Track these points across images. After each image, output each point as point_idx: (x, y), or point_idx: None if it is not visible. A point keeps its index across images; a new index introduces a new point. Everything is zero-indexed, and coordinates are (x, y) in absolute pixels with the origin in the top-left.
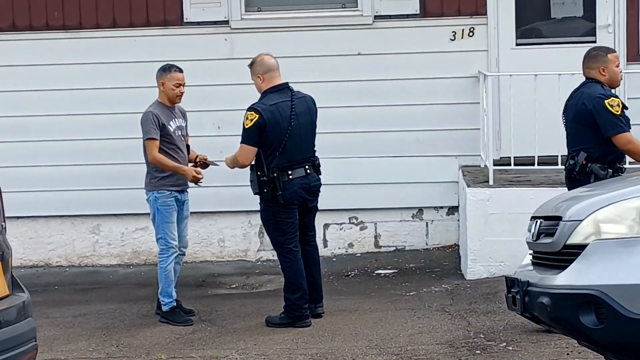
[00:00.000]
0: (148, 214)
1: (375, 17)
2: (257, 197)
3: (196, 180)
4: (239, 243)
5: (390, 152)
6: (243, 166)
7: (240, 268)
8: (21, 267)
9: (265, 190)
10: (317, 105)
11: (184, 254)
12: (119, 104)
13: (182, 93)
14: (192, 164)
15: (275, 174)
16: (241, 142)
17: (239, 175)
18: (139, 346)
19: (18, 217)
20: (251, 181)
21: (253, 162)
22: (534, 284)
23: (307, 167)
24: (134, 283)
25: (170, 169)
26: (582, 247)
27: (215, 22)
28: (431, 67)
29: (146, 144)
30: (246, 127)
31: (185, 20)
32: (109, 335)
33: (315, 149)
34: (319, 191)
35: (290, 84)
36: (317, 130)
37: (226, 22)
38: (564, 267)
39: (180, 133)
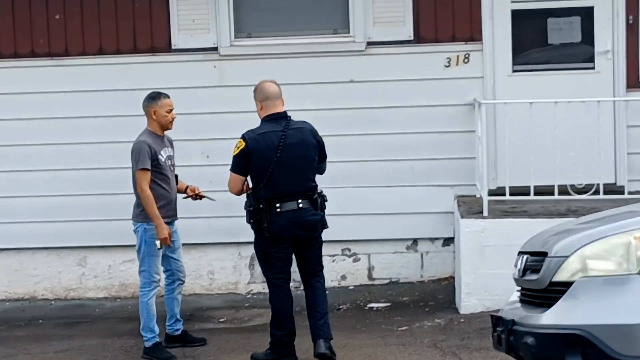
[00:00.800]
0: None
1: (368, 43)
2: (248, 229)
3: (162, 244)
4: (229, 275)
5: (384, 181)
6: (233, 193)
7: (230, 301)
8: (6, 300)
9: (252, 221)
10: (317, 137)
11: (183, 283)
12: (106, 133)
13: (174, 118)
14: (183, 195)
15: (261, 206)
16: (229, 169)
17: (228, 206)
18: None
19: (3, 249)
20: (244, 209)
21: (249, 192)
22: (519, 322)
23: (300, 200)
24: (120, 317)
25: (149, 214)
26: (568, 284)
27: (204, 49)
28: (425, 95)
29: (137, 175)
30: (234, 154)
31: (173, 47)
32: None
33: (313, 183)
34: (316, 226)
35: (288, 114)
36: None
37: (215, 49)
38: (550, 305)
39: (170, 163)
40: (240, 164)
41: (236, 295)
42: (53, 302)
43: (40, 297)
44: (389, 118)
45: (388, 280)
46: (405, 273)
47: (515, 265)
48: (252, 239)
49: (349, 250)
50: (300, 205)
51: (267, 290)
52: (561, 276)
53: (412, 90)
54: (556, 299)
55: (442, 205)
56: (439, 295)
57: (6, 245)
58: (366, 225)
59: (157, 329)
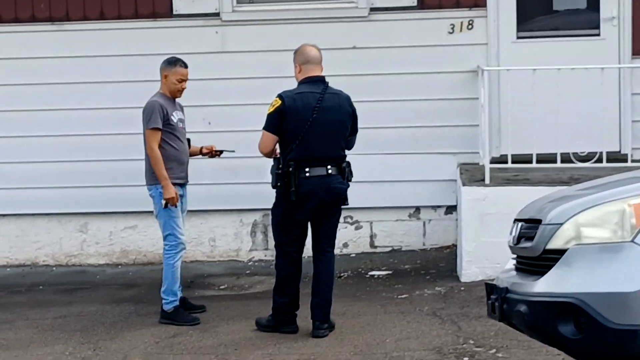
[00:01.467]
0: (137, 212)
1: (371, 9)
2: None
3: (168, 203)
4: (230, 242)
5: (387, 149)
6: (264, 154)
7: (231, 268)
8: (7, 266)
9: (279, 184)
10: (352, 107)
11: (185, 249)
12: (108, 99)
13: (184, 89)
14: (200, 156)
15: (290, 168)
16: (263, 128)
17: (230, 173)
18: (117, 350)
19: (3, 215)
20: (270, 173)
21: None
22: (512, 290)
23: (329, 167)
24: (121, 284)
25: (157, 174)
26: (562, 252)
27: (205, 15)
28: (429, 61)
29: (147, 134)
30: (268, 112)
31: (174, 12)
32: (87, 338)
33: (343, 152)
34: (342, 196)
35: (325, 79)
36: None
37: (217, 15)
38: (543, 273)
39: (182, 126)
40: (275, 122)
41: (237, 262)
42: (54, 268)
43: (41, 263)
44: (391, 85)
45: (390, 248)
46: (408, 241)
47: (510, 233)
48: (254, 206)
49: (351, 217)
50: (329, 172)
51: (267, 258)
52: (555, 243)
53: (416, 57)
54: (550, 267)
55: (445, 173)
56: (441, 263)
57: (7, 211)
58: (369, 192)
59: (179, 293)
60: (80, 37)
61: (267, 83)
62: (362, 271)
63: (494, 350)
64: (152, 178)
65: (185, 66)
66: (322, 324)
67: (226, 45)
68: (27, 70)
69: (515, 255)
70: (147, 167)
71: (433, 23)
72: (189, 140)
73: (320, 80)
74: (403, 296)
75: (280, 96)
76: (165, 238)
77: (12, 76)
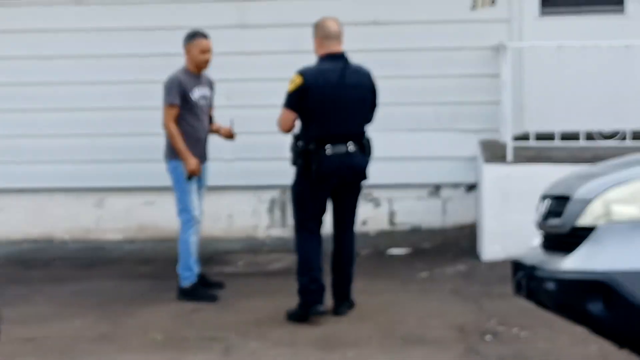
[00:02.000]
0: (154, 187)
1: None
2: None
3: (192, 175)
4: (248, 219)
5: (407, 126)
6: (283, 131)
7: (249, 245)
8: (23, 241)
9: (299, 161)
10: (373, 82)
11: (199, 223)
12: (126, 73)
13: (208, 60)
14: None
15: (311, 146)
16: (283, 106)
17: (248, 149)
18: (135, 326)
19: (20, 190)
20: (290, 151)
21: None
22: (539, 268)
23: (349, 144)
24: (137, 259)
25: (176, 149)
26: (591, 229)
27: None
28: (450, 37)
29: (164, 110)
30: (289, 90)
31: None
32: (106, 313)
33: (363, 129)
34: (362, 174)
35: (345, 54)
36: None
37: None
38: (572, 251)
39: (204, 102)
40: (295, 100)
41: (255, 239)
42: (70, 243)
43: (57, 238)
44: (412, 61)
45: (409, 226)
46: (427, 219)
47: (538, 210)
48: (271, 183)
49: (371, 195)
50: (350, 149)
51: (285, 235)
52: (584, 221)
53: (437, 33)
54: (579, 244)
55: (466, 150)
56: (461, 242)
57: (24, 186)
58: (388, 170)
59: (195, 268)
60: (100, 10)
61: (286, 58)
62: (381, 249)
63: (517, 329)
64: (170, 153)
65: (206, 37)
66: (343, 302)
67: (246, 19)
68: (45, 43)
69: (541, 232)
70: (166, 142)
71: None
72: (211, 117)
73: (341, 57)
74: (424, 274)
75: (300, 73)
76: (179, 213)
77: (30, 49)
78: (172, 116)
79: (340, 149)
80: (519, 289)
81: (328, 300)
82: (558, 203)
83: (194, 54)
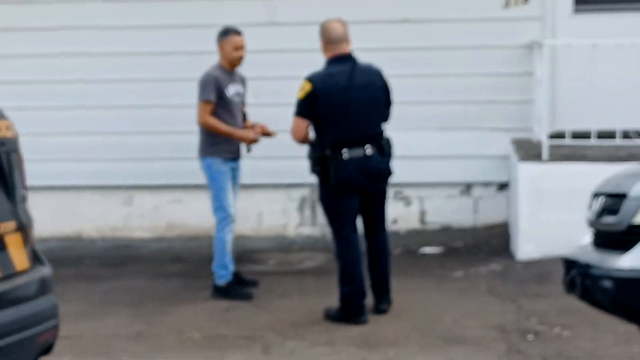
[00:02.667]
0: (183, 185)
1: None
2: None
3: (251, 142)
4: (278, 218)
5: (438, 124)
6: (297, 140)
7: (279, 244)
8: (51, 238)
9: (317, 168)
10: (384, 80)
11: (234, 221)
12: (156, 70)
13: (242, 57)
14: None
15: (328, 152)
16: (294, 114)
17: (278, 148)
18: (170, 324)
19: (49, 187)
20: (308, 158)
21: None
22: (595, 266)
23: (367, 147)
24: (167, 258)
25: (222, 133)
26: None
27: None
28: (482, 35)
29: (199, 106)
30: (299, 98)
31: None
32: (139, 312)
33: (380, 129)
34: (384, 176)
35: (354, 54)
36: None
37: None
38: (628, 248)
39: (237, 99)
40: (306, 107)
41: (284, 238)
42: (98, 241)
43: (85, 236)
44: (443, 59)
45: (440, 225)
46: (458, 218)
47: (590, 207)
48: (301, 181)
49: (401, 193)
50: (367, 152)
51: (316, 234)
52: None
53: (468, 31)
54: (635, 242)
55: (497, 149)
56: (493, 241)
57: (52, 183)
58: (419, 168)
59: (230, 267)
60: (128, 8)
61: (316, 56)
62: (413, 248)
63: (558, 329)
64: (204, 151)
65: (239, 34)
66: (384, 300)
67: (276, 16)
68: (73, 40)
69: (593, 230)
70: (200, 138)
71: None
72: (244, 114)
73: (348, 58)
74: (458, 273)
75: (309, 79)
76: (215, 211)
77: (58, 46)
78: (208, 112)
79: (358, 152)
80: (572, 287)
81: (368, 299)
82: (613, 201)
83: (227, 51)
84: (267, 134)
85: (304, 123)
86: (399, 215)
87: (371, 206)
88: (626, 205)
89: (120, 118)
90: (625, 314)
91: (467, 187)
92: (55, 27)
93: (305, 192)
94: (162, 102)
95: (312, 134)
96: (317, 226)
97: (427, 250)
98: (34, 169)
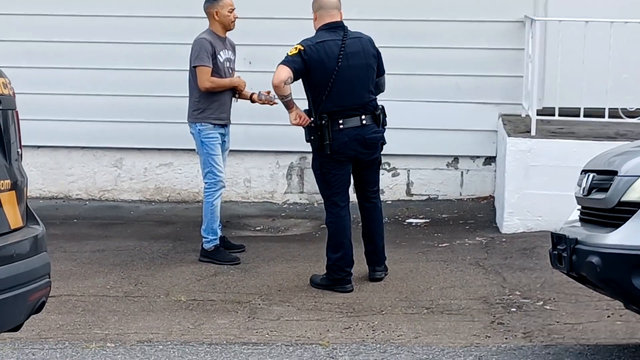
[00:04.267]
0: (173, 149)
1: None
2: (291, 136)
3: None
4: (266, 184)
5: (428, 97)
6: (274, 85)
7: (266, 210)
8: (40, 198)
9: (312, 137)
10: (375, 48)
11: (224, 187)
12: (148, 35)
13: (236, 18)
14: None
15: (324, 121)
16: (279, 63)
17: (268, 114)
18: (158, 286)
19: (38, 147)
20: (302, 127)
21: (306, 107)
22: (583, 241)
23: (363, 116)
24: (156, 220)
25: (226, 86)
26: (638, 204)
27: None
28: (474, 10)
29: (198, 71)
30: (288, 53)
31: None
32: (127, 273)
33: (374, 95)
34: (378, 144)
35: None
36: None
37: None
38: (617, 226)
39: (228, 65)
40: (294, 61)
41: (272, 204)
42: (87, 202)
43: (74, 196)
44: (435, 32)
45: (426, 197)
46: (444, 190)
47: (579, 184)
48: (291, 149)
49: (389, 164)
50: (364, 122)
51: (303, 201)
52: (631, 196)
53: (461, 5)
54: (624, 219)
55: (485, 123)
56: (479, 213)
57: (42, 143)
58: (407, 140)
59: (219, 232)
60: None
61: (309, 24)
62: (400, 218)
63: (541, 302)
64: (192, 116)
65: None
66: (379, 267)
67: None
68: (69, 2)
69: (581, 207)
70: (190, 104)
71: None
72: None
73: (339, 26)
74: (444, 245)
75: (300, 44)
76: (204, 176)
77: (55, 6)
78: (207, 75)
79: (354, 122)
80: (559, 262)
81: (363, 267)
82: (602, 178)
83: (223, 14)
84: (268, 101)
85: (285, 69)
86: (385, 185)
87: (365, 175)
88: (616, 183)
89: (112, 80)
90: (612, 290)
91: (455, 160)
92: None
93: (294, 159)
94: (155, 65)
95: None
96: (305, 193)
97: (413, 221)
98: (24, 128)
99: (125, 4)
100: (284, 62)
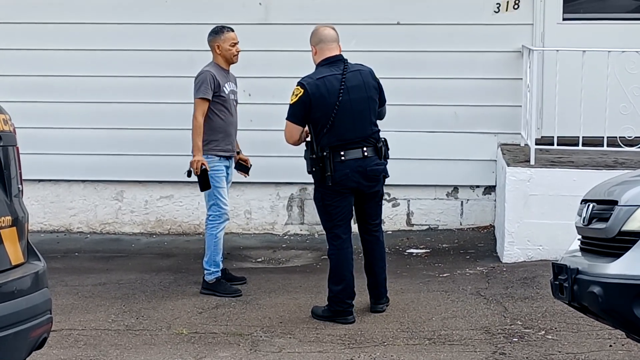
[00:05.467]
0: (174, 182)
1: None
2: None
3: (192, 172)
4: (266, 216)
5: (427, 126)
6: (291, 144)
7: (267, 242)
8: (41, 231)
9: (314, 169)
10: (376, 79)
11: (228, 220)
12: (149, 67)
13: (239, 52)
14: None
15: (325, 153)
16: (286, 118)
17: (267, 146)
18: (160, 319)
19: (39, 180)
20: (304, 159)
21: (308, 139)
22: (584, 271)
23: (365, 148)
24: (157, 253)
25: (193, 142)
26: (639, 234)
27: None
28: (473, 40)
29: (195, 103)
30: (291, 102)
31: None
32: (129, 306)
33: (376, 127)
34: (380, 177)
35: (344, 56)
36: None
37: None
38: (618, 255)
39: (233, 97)
40: (299, 112)
41: (273, 235)
42: (88, 235)
43: (75, 229)
44: (434, 62)
45: (427, 227)
46: (444, 220)
47: (579, 214)
48: (291, 180)
49: (389, 195)
50: (366, 154)
51: (304, 232)
52: (631, 226)
53: (460, 35)
54: (624, 249)
55: (485, 153)
56: (479, 243)
57: (43, 177)
58: (406, 170)
59: (221, 264)
60: (123, 4)
61: (309, 56)
62: (400, 248)
63: (543, 332)
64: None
65: (232, 30)
66: (380, 300)
67: (269, 16)
68: (68, 36)
69: (582, 236)
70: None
71: (479, 1)
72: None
73: (339, 60)
74: (445, 275)
75: (301, 84)
76: (209, 208)
77: (52, 41)
78: (202, 110)
79: (355, 154)
80: (560, 292)
81: (364, 298)
82: (603, 208)
83: (225, 48)
84: (243, 167)
85: (295, 127)
86: (386, 215)
87: (367, 207)
88: (616, 213)
89: (112, 113)
90: (613, 320)
91: (455, 190)
92: (51, 22)
93: (294, 190)
94: (155, 98)
95: (307, 137)
96: (305, 225)
97: (414, 251)
98: (25, 161)
99: (125, 37)
100: (289, 119)
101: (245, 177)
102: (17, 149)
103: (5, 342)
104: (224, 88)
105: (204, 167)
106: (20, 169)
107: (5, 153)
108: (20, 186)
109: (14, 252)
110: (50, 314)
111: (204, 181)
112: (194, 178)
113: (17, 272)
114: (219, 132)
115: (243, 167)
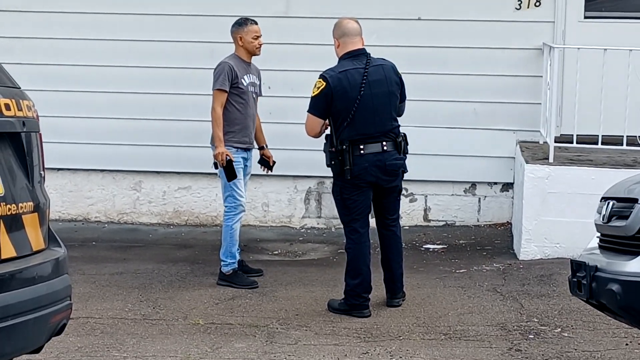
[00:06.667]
0: (192, 173)
1: None
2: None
3: (218, 164)
4: (284, 209)
5: (446, 122)
6: (311, 136)
7: (284, 234)
8: (59, 220)
9: (333, 162)
10: (399, 75)
11: (244, 211)
12: (169, 58)
13: (261, 44)
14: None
15: (344, 147)
16: (307, 111)
17: (287, 139)
18: (177, 309)
19: (58, 169)
20: (324, 152)
21: (327, 132)
22: (602, 269)
23: (384, 142)
24: (174, 244)
25: (213, 134)
26: None
27: None
28: (494, 37)
29: (213, 94)
30: (313, 95)
31: None
32: (146, 296)
33: (396, 122)
34: (399, 171)
35: (367, 50)
36: None
37: None
38: (636, 253)
39: (252, 89)
40: (321, 105)
41: (290, 228)
42: (106, 225)
43: (93, 219)
44: (454, 58)
45: (444, 223)
46: (462, 216)
47: (599, 212)
48: (309, 173)
49: (406, 190)
50: (385, 148)
51: (320, 226)
52: None
53: (481, 32)
54: None
55: (503, 150)
56: (496, 240)
57: (62, 165)
58: (425, 166)
59: (237, 255)
60: None
61: (329, 50)
62: (417, 244)
63: (559, 330)
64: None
65: (255, 23)
66: (396, 295)
67: (290, 9)
68: (89, 25)
69: (601, 234)
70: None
71: None
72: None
73: (362, 53)
74: (461, 271)
75: (323, 77)
76: (225, 199)
77: (73, 31)
78: (220, 102)
79: (375, 148)
80: (578, 289)
81: (381, 292)
82: (623, 206)
83: (247, 40)
84: (265, 162)
85: (316, 120)
86: (403, 211)
87: (385, 202)
88: (636, 211)
89: (132, 103)
90: (631, 318)
91: (472, 186)
92: (70, 12)
93: (312, 183)
94: (175, 89)
95: (327, 130)
96: (322, 218)
97: (431, 246)
98: (45, 151)
99: (145, 28)
100: (311, 111)
101: (267, 172)
102: (40, 135)
103: (25, 327)
104: (243, 80)
105: (228, 157)
106: (42, 155)
107: (28, 139)
108: (42, 172)
109: (35, 238)
110: (70, 300)
111: (230, 171)
112: (213, 169)
113: (38, 258)
114: (236, 123)
115: (266, 162)
